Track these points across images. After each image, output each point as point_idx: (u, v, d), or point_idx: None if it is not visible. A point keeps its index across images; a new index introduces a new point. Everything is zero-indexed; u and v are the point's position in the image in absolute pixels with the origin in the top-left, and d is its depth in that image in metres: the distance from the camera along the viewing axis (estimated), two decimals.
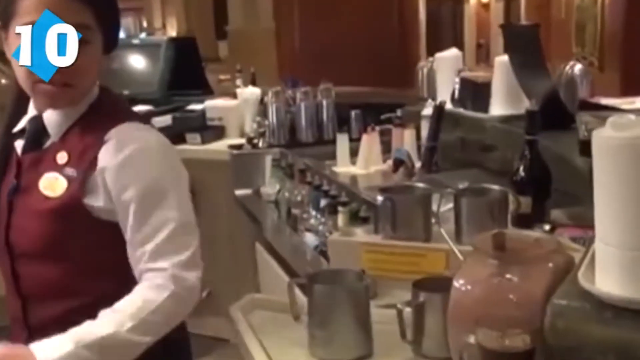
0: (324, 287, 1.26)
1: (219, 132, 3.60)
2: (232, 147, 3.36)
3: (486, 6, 7.31)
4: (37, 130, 1.38)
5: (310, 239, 2.45)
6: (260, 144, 3.32)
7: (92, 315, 1.24)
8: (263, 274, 3.00)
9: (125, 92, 3.77)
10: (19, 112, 1.42)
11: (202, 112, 3.64)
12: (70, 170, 1.32)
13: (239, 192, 3.21)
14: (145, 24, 17.01)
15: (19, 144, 1.40)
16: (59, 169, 1.33)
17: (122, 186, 1.29)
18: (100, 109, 1.38)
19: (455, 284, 1.09)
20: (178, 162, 1.39)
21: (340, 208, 2.29)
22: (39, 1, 1.27)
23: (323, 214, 2.46)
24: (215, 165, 3.43)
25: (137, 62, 4.00)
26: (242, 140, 3.47)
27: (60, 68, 1.28)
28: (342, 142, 2.86)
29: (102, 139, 1.31)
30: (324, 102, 3.38)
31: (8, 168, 1.40)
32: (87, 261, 1.34)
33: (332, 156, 2.90)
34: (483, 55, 6.98)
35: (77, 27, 1.27)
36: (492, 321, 0.99)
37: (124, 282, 1.29)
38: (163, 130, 3.54)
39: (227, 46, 8.44)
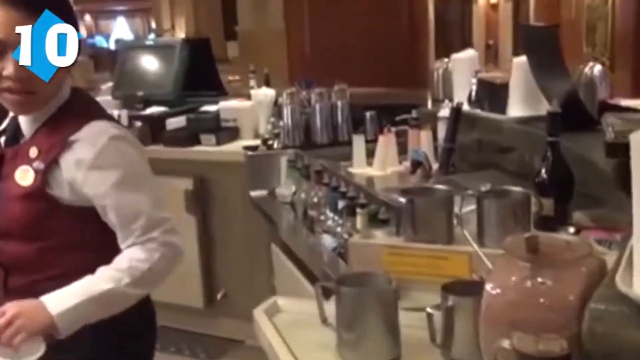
0: (353, 290, 1.26)
1: (233, 133, 3.60)
2: (247, 148, 3.36)
3: (495, 6, 7.29)
4: (15, 128, 1.56)
5: (328, 240, 2.44)
6: (275, 145, 3.32)
7: (65, 284, 1.46)
8: (279, 275, 3.00)
9: (140, 93, 3.78)
10: (2, 113, 1.60)
11: (217, 114, 3.64)
12: (37, 164, 1.49)
13: (254, 193, 3.21)
14: (154, 25, 17.04)
15: (2, 140, 1.59)
16: (30, 161, 1.50)
17: (95, 182, 1.48)
18: (70, 110, 1.53)
19: (487, 287, 1.08)
20: (139, 149, 1.57)
21: (358, 210, 2.28)
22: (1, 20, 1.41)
23: (341, 215, 2.45)
24: (230, 167, 3.44)
25: (151, 63, 4.00)
26: (257, 142, 3.47)
27: (21, 78, 1.42)
28: (359, 144, 2.86)
29: (67, 139, 1.48)
30: (339, 103, 3.38)
31: None
32: (58, 240, 1.52)
33: (347, 157, 2.89)
34: (492, 56, 6.96)
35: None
36: (526, 325, 0.99)
37: (94, 255, 1.49)
38: (178, 131, 3.63)
39: (237, 47, 8.43)
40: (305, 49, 7.36)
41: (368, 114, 3.26)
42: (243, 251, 3.49)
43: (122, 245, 1.51)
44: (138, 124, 3.65)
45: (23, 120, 1.55)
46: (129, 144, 1.53)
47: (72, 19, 1.48)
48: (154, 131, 3.62)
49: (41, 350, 1.42)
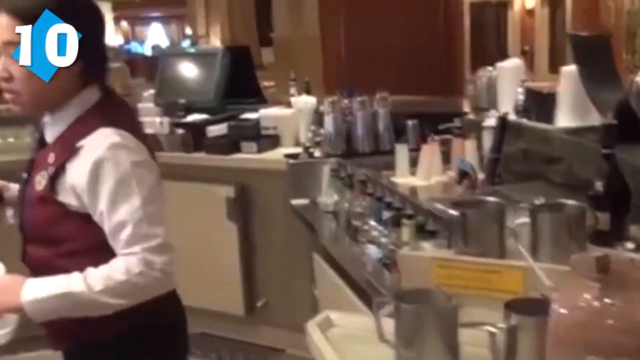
0: (413, 307, 1.24)
1: (274, 141, 3.61)
2: (289, 156, 3.36)
3: (531, 12, 7.22)
4: (41, 134, 1.64)
5: (373, 250, 2.42)
6: (317, 154, 3.31)
7: None
8: (320, 284, 2.99)
9: (181, 101, 3.81)
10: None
11: (257, 121, 3.65)
12: (50, 169, 1.53)
13: (295, 201, 3.21)
14: (188, 31, 17.20)
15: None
16: (46, 167, 1.54)
17: (90, 189, 1.49)
18: (92, 115, 1.55)
19: (555, 306, 1.06)
20: (145, 158, 1.56)
21: (404, 221, 2.26)
22: None
23: (385, 226, 2.44)
24: (271, 174, 3.44)
25: (193, 71, 4.02)
26: (297, 150, 3.47)
27: (3, 79, 1.50)
28: (402, 153, 2.84)
29: (74, 145, 1.51)
30: (380, 112, 3.36)
31: None
32: (71, 245, 1.55)
33: (390, 166, 2.87)
34: (528, 62, 6.89)
35: (9, 44, 1.47)
36: (597, 348, 0.96)
37: (97, 262, 1.49)
38: (219, 138, 3.64)
39: (273, 53, 8.46)
40: (340, 55, 7.36)
41: (410, 123, 3.23)
42: (284, 259, 3.49)
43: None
44: (180, 131, 3.67)
45: (47, 126, 1.61)
46: (128, 152, 1.51)
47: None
48: (195, 138, 3.64)
49: (10, 325, 1.53)
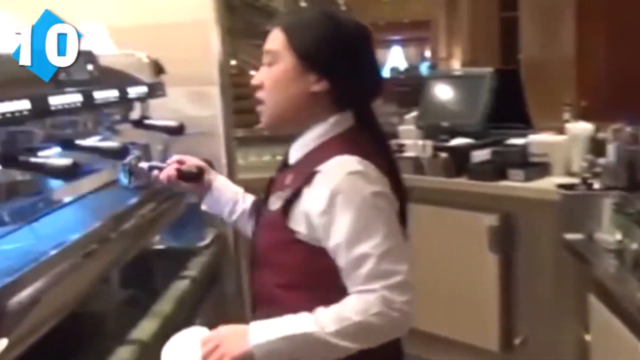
0: None
1: (543, 169, 3.38)
2: (563, 186, 3.11)
3: None
4: (286, 155, 1.59)
5: None
6: (596, 185, 3.03)
7: None
8: (596, 330, 2.71)
9: (445, 124, 3.72)
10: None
11: (524, 147, 3.45)
12: (287, 191, 1.47)
13: (568, 235, 2.95)
14: (427, 54, 17.32)
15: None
16: (283, 188, 1.50)
17: (327, 219, 1.39)
18: (337, 140, 1.49)
19: None
20: (385, 191, 1.45)
21: None
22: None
23: None
24: (540, 205, 3.21)
25: (458, 93, 3.93)
26: (569, 179, 3.21)
27: (254, 86, 1.51)
28: None
29: (312, 170, 1.43)
30: None
31: None
32: (285, 275, 1.48)
33: None
34: None
35: (269, 52, 1.50)
36: None
37: (315, 300, 1.39)
38: (483, 164, 3.51)
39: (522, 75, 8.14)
40: (599, 79, 6.87)
41: None
42: (550, 297, 3.24)
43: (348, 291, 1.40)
44: (442, 155, 3.58)
45: (293, 147, 1.56)
46: (368, 182, 1.41)
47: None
48: (458, 163, 3.53)
49: None
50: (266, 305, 1.51)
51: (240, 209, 1.76)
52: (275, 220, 1.47)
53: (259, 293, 1.56)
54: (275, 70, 1.49)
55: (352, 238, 1.37)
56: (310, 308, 1.38)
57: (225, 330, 1.44)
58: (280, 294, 1.48)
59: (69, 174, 1.59)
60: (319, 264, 1.43)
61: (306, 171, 1.45)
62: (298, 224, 1.44)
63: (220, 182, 1.78)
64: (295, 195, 1.44)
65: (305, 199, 1.43)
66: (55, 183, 1.89)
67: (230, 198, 1.77)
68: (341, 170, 1.40)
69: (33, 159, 1.59)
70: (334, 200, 1.39)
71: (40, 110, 1.67)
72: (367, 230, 1.38)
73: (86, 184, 2.16)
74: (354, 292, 1.38)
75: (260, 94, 1.53)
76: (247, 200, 1.77)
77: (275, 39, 1.50)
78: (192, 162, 1.76)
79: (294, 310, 1.39)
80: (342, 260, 1.39)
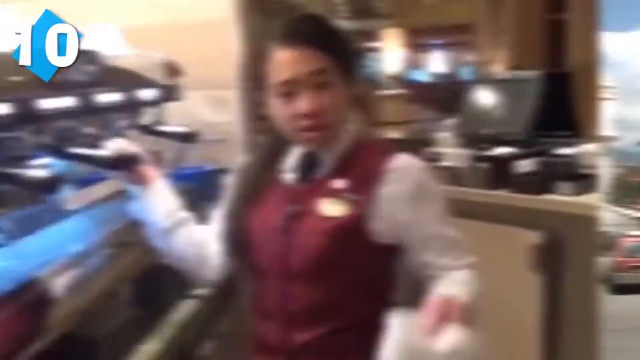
0: None
1: (594, 183, 3.14)
2: None
3: None
4: (310, 164, 1.52)
5: None
6: None
7: (347, 339, 1.44)
8: None
9: (485, 131, 3.50)
10: (278, 151, 1.58)
11: (574, 158, 3.22)
12: (349, 195, 1.46)
13: None
14: (468, 58, 17.00)
15: (287, 177, 1.55)
16: (337, 194, 1.47)
17: (420, 213, 1.46)
18: (368, 143, 1.54)
19: None
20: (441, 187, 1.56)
21: None
22: (287, 61, 1.43)
23: None
24: (589, 222, 2.96)
25: (502, 98, 3.70)
26: None
27: (315, 113, 1.43)
28: None
29: (380, 171, 1.47)
30: None
31: (266, 196, 1.54)
32: (352, 282, 1.46)
33: None
34: None
35: (316, 73, 1.43)
36: None
37: (381, 305, 1.37)
38: (527, 175, 3.25)
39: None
40: None
41: None
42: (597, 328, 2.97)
43: (432, 275, 1.45)
44: (482, 164, 3.34)
45: (324, 154, 1.52)
46: (432, 175, 1.53)
47: (360, 57, 1.55)
48: (499, 174, 3.30)
49: None
50: (318, 324, 1.45)
51: (185, 223, 1.64)
52: (340, 225, 1.45)
53: (298, 312, 1.48)
54: (332, 92, 1.46)
55: (444, 223, 1.49)
56: (373, 307, 1.41)
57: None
58: (347, 302, 1.47)
59: (47, 187, 1.40)
60: (383, 261, 1.49)
61: (370, 172, 1.48)
62: (373, 224, 1.45)
63: (162, 183, 1.66)
64: (369, 197, 1.46)
65: (383, 198, 1.46)
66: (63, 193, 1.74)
67: (172, 204, 1.64)
68: (413, 166, 1.49)
69: (9, 170, 1.40)
70: (421, 192, 1.47)
71: (25, 115, 1.51)
72: (446, 219, 1.50)
73: (90, 193, 1.99)
74: (455, 268, 1.46)
75: (322, 121, 1.46)
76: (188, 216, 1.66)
77: (315, 59, 1.44)
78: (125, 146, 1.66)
79: (360, 315, 1.45)
80: (437, 245, 1.47)
